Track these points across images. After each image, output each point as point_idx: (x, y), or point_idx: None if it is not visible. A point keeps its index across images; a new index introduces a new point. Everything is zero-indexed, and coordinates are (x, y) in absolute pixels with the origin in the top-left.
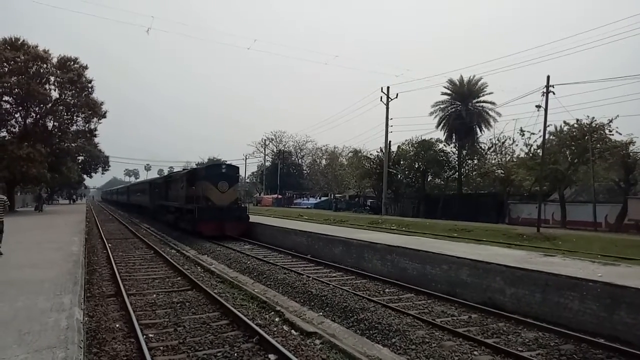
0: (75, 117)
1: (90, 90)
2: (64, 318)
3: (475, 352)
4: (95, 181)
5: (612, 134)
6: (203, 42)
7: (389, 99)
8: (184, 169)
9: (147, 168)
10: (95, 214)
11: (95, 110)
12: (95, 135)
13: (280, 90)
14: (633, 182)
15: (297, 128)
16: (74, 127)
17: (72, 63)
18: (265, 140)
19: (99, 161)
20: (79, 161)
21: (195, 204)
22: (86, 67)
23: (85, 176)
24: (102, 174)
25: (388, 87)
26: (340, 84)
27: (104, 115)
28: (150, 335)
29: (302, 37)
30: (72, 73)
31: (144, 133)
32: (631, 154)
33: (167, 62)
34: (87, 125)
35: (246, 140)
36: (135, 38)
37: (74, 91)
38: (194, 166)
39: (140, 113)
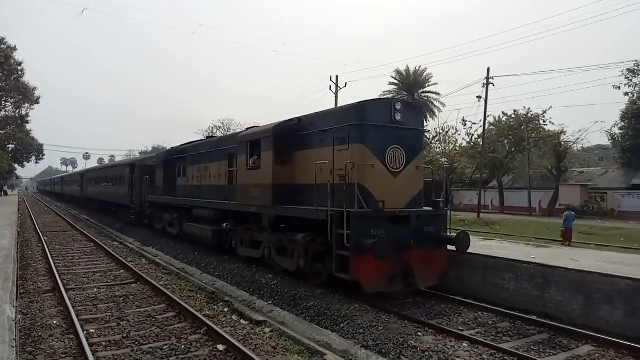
0: (3, 102)
1: (20, 73)
2: None
3: (420, 333)
4: (28, 171)
5: (546, 124)
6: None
7: (338, 88)
8: (209, 136)
9: (86, 157)
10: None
11: (26, 95)
12: (27, 122)
13: (229, 77)
14: (564, 170)
15: (246, 116)
16: (3, 113)
17: None
18: (212, 128)
19: (32, 150)
20: (9, 150)
21: (331, 205)
22: (15, 49)
23: (17, 166)
24: (37, 163)
25: (337, 76)
26: (289, 73)
27: (36, 101)
28: (92, 330)
29: (251, 24)
30: None
31: (81, 120)
32: (562, 143)
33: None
34: (17, 111)
35: (192, 128)
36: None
37: (0, 74)
38: (137, 155)
39: (77, 97)
